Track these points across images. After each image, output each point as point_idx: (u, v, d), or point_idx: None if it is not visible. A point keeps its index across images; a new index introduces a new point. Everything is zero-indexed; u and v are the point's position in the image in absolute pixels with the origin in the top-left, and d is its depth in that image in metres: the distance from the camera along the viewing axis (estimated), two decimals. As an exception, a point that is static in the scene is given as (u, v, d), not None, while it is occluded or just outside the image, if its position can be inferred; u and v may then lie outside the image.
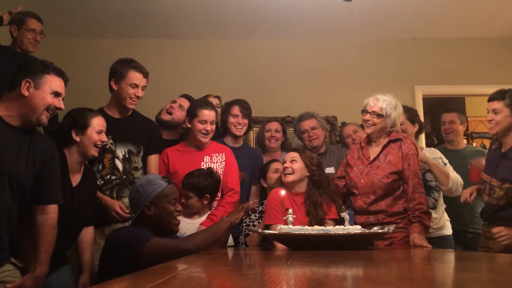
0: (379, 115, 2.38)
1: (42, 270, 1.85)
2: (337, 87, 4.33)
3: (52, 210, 1.91)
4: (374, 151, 2.45)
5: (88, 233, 2.31)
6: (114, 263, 1.77)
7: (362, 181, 2.38)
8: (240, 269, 1.50)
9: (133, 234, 1.86)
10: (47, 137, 2.08)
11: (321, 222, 2.27)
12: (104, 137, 2.24)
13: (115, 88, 2.55)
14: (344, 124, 4.19)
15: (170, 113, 2.96)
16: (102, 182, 2.47)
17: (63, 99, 1.91)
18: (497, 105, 2.43)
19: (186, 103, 2.97)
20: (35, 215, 1.88)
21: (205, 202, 2.48)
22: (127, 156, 2.53)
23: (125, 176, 2.50)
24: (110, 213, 2.41)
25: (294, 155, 2.45)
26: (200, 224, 2.41)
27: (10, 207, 1.77)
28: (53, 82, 1.85)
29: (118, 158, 2.50)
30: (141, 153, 2.58)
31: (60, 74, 1.90)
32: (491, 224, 2.39)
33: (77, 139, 2.17)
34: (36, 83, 1.81)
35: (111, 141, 2.50)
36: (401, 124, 2.81)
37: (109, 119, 2.52)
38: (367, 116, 2.42)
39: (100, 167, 2.48)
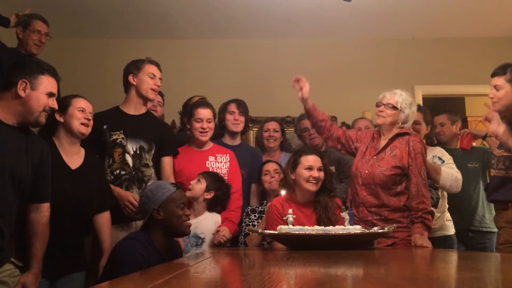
0: (394, 107, 2.40)
1: (39, 267, 1.89)
2: (337, 87, 4.33)
3: (46, 209, 1.94)
4: (382, 144, 2.45)
5: (103, 217, 2.29)
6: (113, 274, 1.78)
7: (366, 171, 2.39)
8: (240, 269, 1.51)
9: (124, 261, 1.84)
10: (40, 135, 2.10)
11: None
12: (88, 115, 2.23)
13: (134, 82, 2.59)
14: (343, 123, 4.21)
15: (153, 111, 3.00)
16: (112, 177, 2.46)
17: (56, 99, 1.93)
18: (498, 81, 2.34)
19: (160, 98, 3.11)
20: (29, 214, 1.90)
21: (207, 196, 2.48)
22: (137, 152, 2.53)
23: (134, 172, 2.50)
24: (123, 203, 2.39)
25: (321, 164, 2.39)
26: (221, 225, 2.47)
27: (12, 206, 1.79)
28: (48, 83, 1.87)
29: (128, 153, 2.51)
30: (153, 151, 2.56)
31: (54, 74, 1.92)
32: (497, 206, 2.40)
33: (61, 119, 2.20)
34: (32, 83, 1.82)
35: (122, 136, 2.51)
36: (417, 124, 2.82)
37: (123, 115, 2.58)
38: (381, 107, 2.43)
39: (110, 162, 2.48)
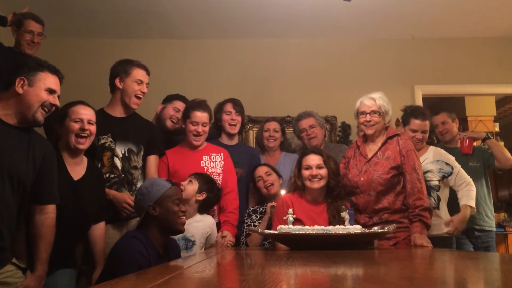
0: (380, 114, 2.41)
1: (43, 269, 1.87)
2: (337, 87, 4.33)
3: (51, 210, 1.92)
4: (371, 149, 2.46)
5: (98, 229, 2.28)
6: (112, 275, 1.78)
7: (362, 179, 2.39)
8: (240, 269, 1.51)
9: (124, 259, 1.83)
10: (46, 137, 2.09)
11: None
12: (85, 125, 2.17)
13: (120, 86, 2.57)
14: (343, 123, 4.21)
15: (174, 122, 2.98)
16: None
17: (58, 96, 1.91)
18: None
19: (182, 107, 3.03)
20: (34, 215, 1.88)
21: (199, 197, 2.46)
22: (126, 155, 2.52)
23: (123, 175, 2.50)
24: (121, 206, 2.39)
25: (321, 161, 2.38)
26: (223, 230, 2.47)
27: (11, 207, 1.77)
28: (47, 79, 1.86)
29: (117, 156, 2.50)
30: (142, 153, 2.57)
31: (55, 71, 1.91)
32: None
33: (60, 131, 2.19)
34: (30, 80, 1.82)
35: (111, 139, 2.50)
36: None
37: (109, 118, 2.55)
38: (368, 117, 2.42)
39: (99, 166, 2.47)
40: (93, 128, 2.21)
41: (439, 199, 2.80)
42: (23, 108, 1.82)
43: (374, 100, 2.42)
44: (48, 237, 1.89)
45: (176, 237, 2.32)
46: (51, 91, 1.87)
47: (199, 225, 2.45)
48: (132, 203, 2.36)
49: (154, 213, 1.98)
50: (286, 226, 2.02)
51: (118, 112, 2.60)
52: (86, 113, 2.19)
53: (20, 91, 1.80)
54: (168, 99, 3.06)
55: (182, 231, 2.08)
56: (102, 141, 2.47)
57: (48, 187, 1.91)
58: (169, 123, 2.96)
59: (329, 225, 2.19)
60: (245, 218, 2.75)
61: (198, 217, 2.48)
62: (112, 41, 4.35)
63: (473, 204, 2.75)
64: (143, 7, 3.85)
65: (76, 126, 2.15)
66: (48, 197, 1.91)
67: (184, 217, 2.07)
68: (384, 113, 2.41)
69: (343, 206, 2.23)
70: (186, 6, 3.85)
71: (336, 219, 2.29)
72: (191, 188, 2.45)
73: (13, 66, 1.88)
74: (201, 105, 2.71)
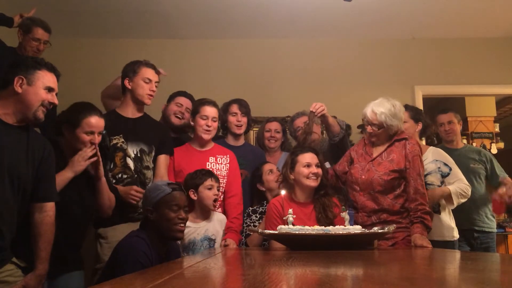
0: (381, 128, 2.40)
1: (44, 268, 1.86)
2: (337, 87, 4.33)
3: (50, 208, 1.91)
4: (377, 149, 2.46)
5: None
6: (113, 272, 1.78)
7: (363, 177, 2.39)
8: (240, 269, 1.51)
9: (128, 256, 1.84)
10: (43, 134, 2.09)
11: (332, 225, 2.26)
12: (95, 137, 2.16)
13: (129, 86, 2.59)
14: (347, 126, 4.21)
15: (179, 117, 2.98)
16: (114, 181, 2.46)
17: (56, 94, 1.91)
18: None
19: (190, 104, 3.01)
20: (33, 213, 1.88)
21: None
22: (138, 155, 2.54)
23: (136, 175, 2.51)
24: (128, 197, 2.39)
25: (317, 160, 2.40)
26: (227, 237, 2.47)
27: (12, 207, 1.77)
28: (45, 78, 1.86)
29: (129, 157, 2.51)
30: (153, 153, 2.58)
31: (52, 69, 1.90)
32: None
33: (67, 136, 2.16)
34: (28, 79, 1.82)
35: (122, 139, 2.51)
36: (404, 122, 2.78)
37: (121, 119, 2.57)
38: (369, 128, 2.42)
39: (111, 166, 2.48)
40: (100, 138, 2.20)
41: (439, 205, 2.79)
42: (23, 107, 1.81)
43: (375, 114, 2.39)
44: (48, 235, 1.88)
45: (199, 237, 2.39)
46: (49, 90, 1.87)
47: (216, 223, 2.50)
48: (137, 193, 2.39)
49: (151, 217, 1.99)
50: (286, 226, 2.02)
51: (130, 112, 2.62)
52: (98, 126, 2.17)
53: (19, 90, 1.80)
54: (171, 97, 3.08)
55: (178, 239, 2.05)
56: (114, 142, 2.48)
57: (46, 185, 1.91)
58: (174, 119, 2.96)
59: (317, 223, 2.23)
60: (245, 218, 2.75)
61: (214, 215, 2.52)
62: (112, 41, 4.35)
63: (455, 200, 2.66)
64: (144, 7, 3.85)
65: (87, 138, 2.14)
66: (47, 195, 1.91)
67: (182, 225, 2.02)
68: (387, 127, 2.39)
69: (343, 207, 2.23)
70: (186, 6, 3.85)
71: (323, 216, 2.30)
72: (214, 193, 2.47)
73: (9, 64, 1.87)
74: (210, 101, 2.75)
